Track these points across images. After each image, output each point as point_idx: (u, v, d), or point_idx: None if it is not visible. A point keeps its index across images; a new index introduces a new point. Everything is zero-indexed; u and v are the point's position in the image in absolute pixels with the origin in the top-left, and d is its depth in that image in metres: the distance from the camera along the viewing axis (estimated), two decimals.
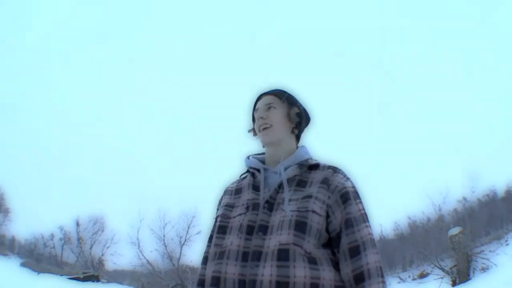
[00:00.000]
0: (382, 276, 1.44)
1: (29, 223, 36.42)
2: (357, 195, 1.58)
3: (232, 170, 1.90)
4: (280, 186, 1.59)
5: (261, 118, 1.69)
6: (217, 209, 1.77)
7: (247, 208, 1.58)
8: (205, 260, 1.66)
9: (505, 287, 9.25)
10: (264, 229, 1.49)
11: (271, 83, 1.83)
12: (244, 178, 1.77)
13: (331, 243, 1.51)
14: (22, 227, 35.83)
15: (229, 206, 1.66)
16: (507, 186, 39.37)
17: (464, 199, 23.98)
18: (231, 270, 1.47)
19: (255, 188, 1.65)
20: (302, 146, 1.77)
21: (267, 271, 1.40)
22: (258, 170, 1.69)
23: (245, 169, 1.79)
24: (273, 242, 1.45)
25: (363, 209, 1.55)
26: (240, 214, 1.58)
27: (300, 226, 1.45)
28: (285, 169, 1.64)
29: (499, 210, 33.98)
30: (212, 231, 1.70)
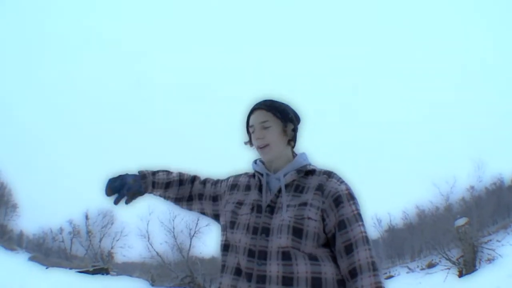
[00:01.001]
0: (375, 270, 1.61)
1: (37, 217, 36.78)
2: (350, 197, 1.74)
3: (236, 163, 2.11)
4: (280, 191, 1.77)
5: (259, 139, 1.83)
6: (223, 180, 2.03)
7: (252, 209, 1.77)
8: (223, 227, 1.86)
9: (508, 280, 9.21)
10: (266, 231, 1.70)
11: (261, 91, 1.99)
12: (253, 176, 1.94)
13: (329, 243, 1.71)
14: (30, 222, 36.23)
15: (239, 204, 1.84)
16: None
17: (472, 187, 23.82)
18: (242, 263, 1.69)
19: (260, 190, 1.83)
20: (302, 153, 1.92)
21: (274, 268, 1.62)
22: (262, 175, 1.86)
23: (252, 171, 1.95)
24: (275, 243, 1.66)
25: (356, 209, 1.72)
26: (247, 213, 1.77)
27: (297, 232, 1.65)
28: (285, 175, 1.81)
29: (506, 199, 33.81)
30: (209, 181, 2.05)
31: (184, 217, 25.24)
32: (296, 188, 1.77)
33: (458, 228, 16.21)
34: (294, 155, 1.90)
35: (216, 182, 2.04)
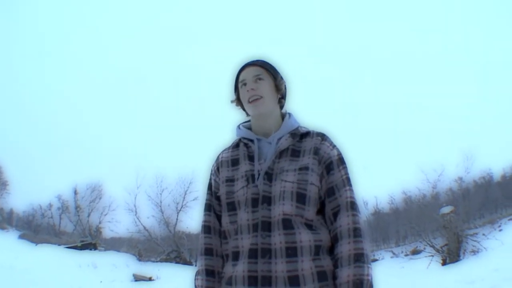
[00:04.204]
0: (356, 236, 1.57)
1: (27, 194, 36.46)
2: (341, 162, 1.70)
3: (225, 136, 1.98)
4: (276, 156, 1.69)
5: (252, 89, 1.74)
6: (211, 176, 1.87)
7: (247, 180, 1.68)
8: (206, 229, 1.79)
9: (494, 273, 9.32)
10: (267, 200, 1.63)
11: (251, 53, 1.89)
12: (236, 146, 1.83)
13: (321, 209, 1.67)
14: (20, 199, 35.91)
15: (230, 181, 1.74)
16: (503, 171, 39.63)
17: (460, 179, 24.07)
18: (246, 242, 1.62)
19: (251, 159, 1.73)
20: (290, 113, 1.83)
21: (277, 239, 1.57)
22: (251, 141, 1.76)
23: (235, 138, 1.86)
24: (277, 211, 1.60)
25: (345, 173, 1.69)
26: (242, 187, 1.68)
27: (301, 198, 1.61)
28: (279, 139, 1.73)
29: (494, 194, 34.17)
30: (209, 200, 1.83)
31: (171, 191, 25.36)
32: (293, 152, 1.70)
33: (443, 216, 16.18)
34: (282, 115, 1.83)
35: (213, 190, 1.85)
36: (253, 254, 1.59)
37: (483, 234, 16.59)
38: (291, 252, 1.56)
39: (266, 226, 1.60)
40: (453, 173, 24.41)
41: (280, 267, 1.55)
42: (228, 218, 1.71)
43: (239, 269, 1.61)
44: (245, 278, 1.58)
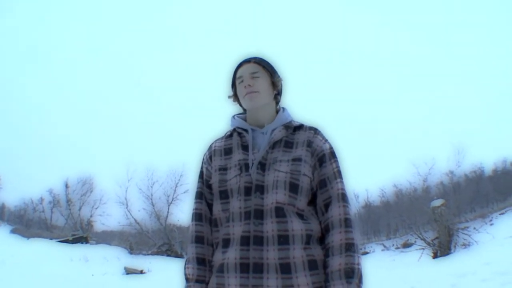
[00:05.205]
0: (347, 226, 1.62)
1: (18, 189, 36.20)
2: (332, 155, 1.75)
3: (216, 128, 2.00)
4: (270, 147, 1.73)
5: (249, 85, 1.78)
6: (202, 164, 1.89)
7: (240, 169, 1.70)
8: (198, 216, 1.80)
9: (485, 267, 9.37)
10: (260, 189, 1.65)
11: (249, 50, 1.93)
12: (230, 136, 1.86)
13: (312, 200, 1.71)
14: (12, 194, 35.58)
15: (223, 169, 1.76)
16: (494, 166, 39.98)
17: (451, 172, 24.17)
18: (238, 230, 1.63)
19: (245, 148, 1.76)
20: (284, 108, 1.89)
21: (270, 227, 1.59)
22: (246, 131, 1.80)
23: (229, 128, 1.89)
24: (270, 200, 1.63)
25: (337, 166, 1.74)
26: (235, 176, 1.70)
27: (294, 187, 1.65)
28: (272, 130, 1.77)
29: (485, 189, 34.41)
30: (200, 188, 1.85)
31: (162, 183, 25.28)
32: (286, 144, 1.74)
33: (434, 209, 16.24)
34: (277, 110, 1.88)
35: (205, 179, 1.86)
36: (245, 241, 1.61)
37: (474, 228, 16.69)
38: (283, 240, 1.58)
39: (259, 214, 1.62)
40: (444, 166, 24.58)
41: (272, 255, 1.57)
42: (220, 206, 1.72)
43: (231, 256, 1.62)
44: (237, 265, 1.59)
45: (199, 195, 1.84)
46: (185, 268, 1.77)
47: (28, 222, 33.92)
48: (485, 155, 34.60)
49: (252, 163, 1.70)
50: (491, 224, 18.71)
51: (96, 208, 29.68)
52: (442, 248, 15.07)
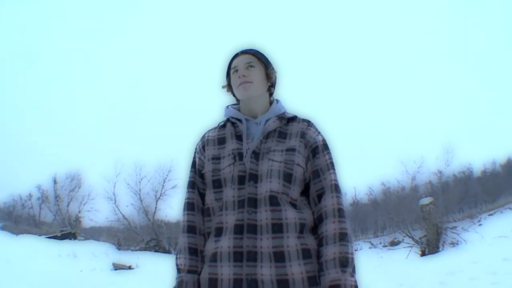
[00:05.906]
0: (340, 216, 1.64)
1: (7, 185, 35.72)
2: (325, 147, 1.79)
3: (205, 123, 2.01)
4: (264, 137, 1.75)
5: (243, 76, 1.81)
6: (195, 154, 1.90)
7: (234, 158, 1.71)
8: (190, 206, 1.80)
9: (473, 266, 9.43)
10: (254, 178, 1.66)
11: (243, 42, 1.97)
12: (223, 126, 1.88)
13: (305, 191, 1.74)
14: (1, 191, 35.09)
15: (216, 159, 1.77)
16: (483, 167, 40.26)
17: (440, 172, 24.32)
18: (231, 218, 1.64)
19: (238, 138, 1.78)
20: (277, 100, 1.91)
21: (264, 216, 1.60)
22: (239, 120, 1.81)
23: (223, 118, 1.92)
24: (264, 188, 1.64)
25: (330, 158, 1.77)
26: (229, 165, 1.71)
27: (287, 177, 1.67)
28: (266, 120, 1.79)
29: (474, 189, 34.48)
30: (193, 177, 1.85)
31: (150, 179, 25.11)
32: (280, 134, 1.77)
33: (422, 207, 16.32)
34: (270, 102, 1.91)
35: (198, 168, 1.87)
36: (238, 229, 1.61)
37: (463, 228, 16.74)
38: (277, 228, 1.59)
39: (253, 203, 1.63)
40: (432, 165, 24.71)
41: (265, 243, 1.58)
42: (213, 195, 1.73)
43: (224, 244, 1.62)
44: (231, 254, 1.60)
45: (191, 185, 1.85)
46: (176, 259, 1.77)
47: (17, 219, 33.49)
48: (474, 156, 34.85)
49: (246, 153, 1.71)
50: (480, 225, 18.76)
51: (84, 204, 29.34)
52: (430, 246, 15.12)
